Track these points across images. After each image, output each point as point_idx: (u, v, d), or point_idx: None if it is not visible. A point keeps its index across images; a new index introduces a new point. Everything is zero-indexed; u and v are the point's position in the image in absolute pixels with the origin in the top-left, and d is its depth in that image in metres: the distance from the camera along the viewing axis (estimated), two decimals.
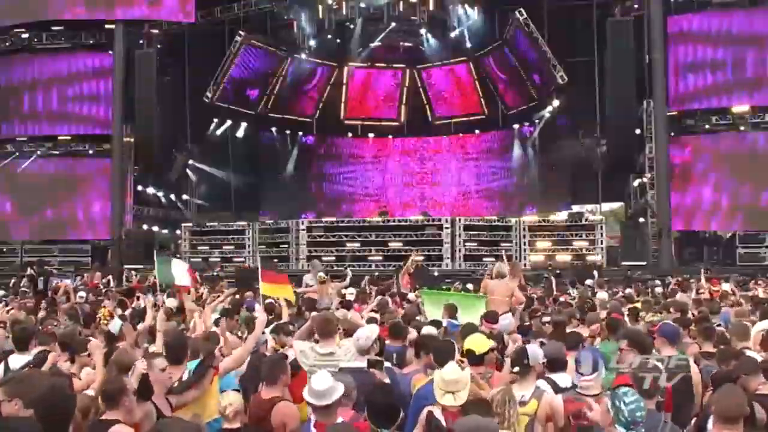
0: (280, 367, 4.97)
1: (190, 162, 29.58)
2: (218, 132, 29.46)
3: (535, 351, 5.26)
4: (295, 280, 16.46)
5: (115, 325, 6.86)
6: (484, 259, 22.28)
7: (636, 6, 22.68)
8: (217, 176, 30.34)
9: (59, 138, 25.82)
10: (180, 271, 8.19)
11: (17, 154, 25.90)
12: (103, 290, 14.38)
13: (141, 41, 25.25)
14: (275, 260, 23.73)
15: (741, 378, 4.72)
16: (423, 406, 4.43)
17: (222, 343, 6.21)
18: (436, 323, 7.36)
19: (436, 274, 20.68)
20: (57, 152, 25.84)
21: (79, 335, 6.73)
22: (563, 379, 5.05)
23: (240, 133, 29.81)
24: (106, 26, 25.28)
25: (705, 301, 10.19)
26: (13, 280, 17.62)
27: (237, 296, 10.51)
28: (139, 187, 27.38)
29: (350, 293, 12.05)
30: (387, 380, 5.09)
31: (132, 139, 25.50)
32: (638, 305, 9.46)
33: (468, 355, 5.22)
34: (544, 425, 4.68)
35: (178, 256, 9.87)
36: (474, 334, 5.54)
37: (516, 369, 4.94)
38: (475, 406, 3.97)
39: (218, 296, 9.38)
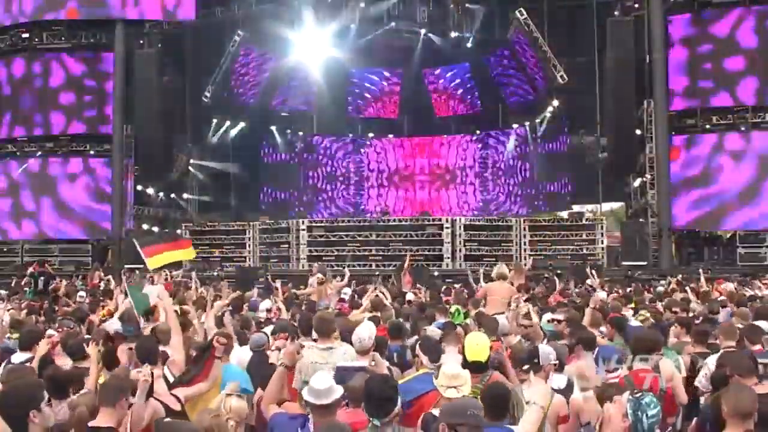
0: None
1: (191, 161, 29.65)
2: (218, 131, 29.50)
3: (547, 350, 5.25)
4: (297, 280, 16.56)
5: (112, 324, 6.89)
6: (484, 258, 22.31)
7: (636, 6, 22.67)
8: (217, 176, 30.42)
9: (60, 138, 25.81)
10: (153, 292, 8.14)
11: (18, 153, 25.98)
12: (102, 289, 14.39)
13: (141, 41, 25.26)
14: (274, 260, 23.91)
15: (734, 378, 4.72)
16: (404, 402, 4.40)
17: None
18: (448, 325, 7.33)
19: (435, 273, 20.71)
20: (57, 152, 25.83)
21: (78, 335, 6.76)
22: (558, 380, 5.04)
23: (240, 133, 29.84)
24: (107, 26, 25.32)
25: (705, 301, 10.19)
26: (14, 280, 17.65)
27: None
28: (139, 187, 27.39)
29: (345, 293, 12.06)
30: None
31: (132, 139, 25.52)
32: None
33: (474, 366, 5.13)
34: (555, 426, 4.66)
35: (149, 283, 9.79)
36: (473, 340, 5.42)
37: (526, 367, 4.92)
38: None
39: (217, 297, 9.41)
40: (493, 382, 4.47)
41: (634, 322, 7.61)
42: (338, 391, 4.11)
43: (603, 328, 7.38)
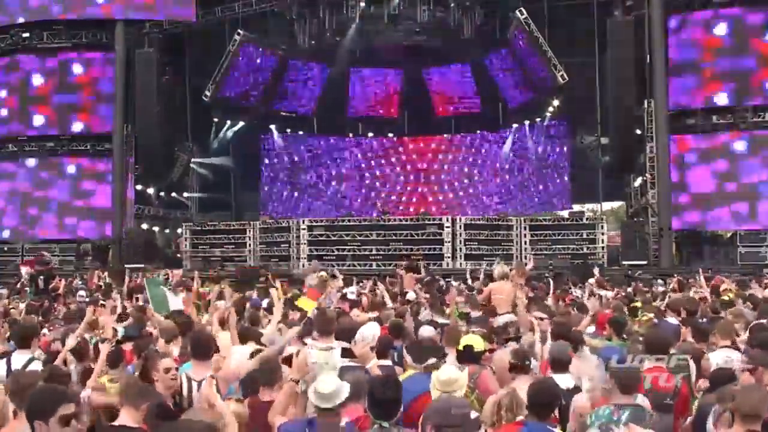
0: (277, 372, 4.99)
1: (192, 160, 29.67)
2: (218, 131, 29.51)
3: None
4: (298, 280, 16.55)
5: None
6: (484, 258, 22.31)
7: (636, 5, 22.65)
8: (217, 175, 30.45)
9: (60, 137, 25.83)
10: (174, 302, 8.11)
11: (18, 153, 26.00)
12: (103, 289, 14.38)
13: (141, 41, 25.27)
14: (275, 259, 23.92)
15: (758, 370, 4.72)
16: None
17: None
18: (434, 323, 7.35)
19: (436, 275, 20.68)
20: (58, 151, 25.85)
21: None
22: (565, 380, 5.04)
23: (240, 132, 29.85)
24: (107, 25, 25.33)
25: (705, 300, 10.17)
26: (17, 280, 17.65)
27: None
28: (139, 187, 27.41)
29: (351, 292, 12.03)
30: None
31: (132, 139, 25.53)
32: (638, 304, 9.48)
33: (465, 352, 5.23)
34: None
35: (169, 287, 9.64)
36: (470, 335, 5.55)
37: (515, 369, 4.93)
38: None
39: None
40: (540, 381, 4.44)
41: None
42: (344, 393, 4.09)
43: (591, 328, 7.40)
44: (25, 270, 17.13)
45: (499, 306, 9.37)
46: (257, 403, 4.80)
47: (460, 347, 5.30)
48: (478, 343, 5.33)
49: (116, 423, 3.95)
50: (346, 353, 5.30)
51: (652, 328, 6.86)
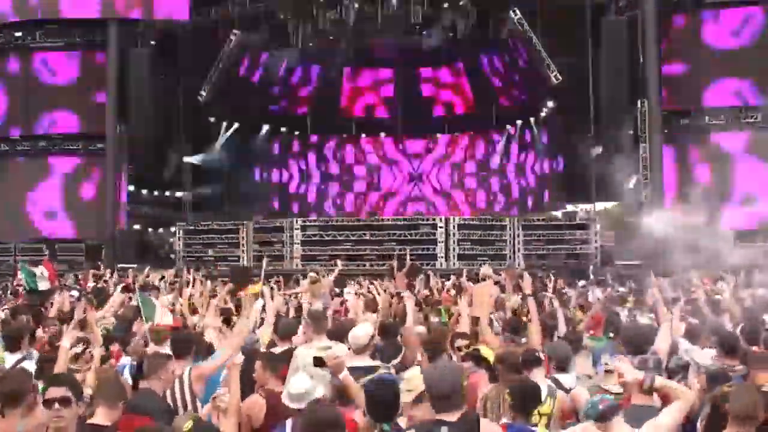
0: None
1: (185, 160, 29.59)
2: (212, 131, 29.45)
3: None
4: (291, 280, 16.50)
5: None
6: (478, 258, 22.32)
7: (630, 6, 22.70)
8: (211, 175, 30.38)
9: (53, 137, 25.74)
10: (159, 312, 8.06)
11: (11, 152, 25.90)
12: (97, 288, 14.30)
13: (135, 40, 25.19)
14: (268, 259, 23.86)
15: (751, 373, 4.72)
16: None
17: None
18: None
19: (429, 273, 20.66)
20: (50, 151, 25.75)
21: None
22: (568, 379, 5.05)
23: (233, 132, 29.80)
24: (100, 25, 25.24)
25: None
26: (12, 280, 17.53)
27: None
28: (132, 187, 27.33)
29: (348, 292, 12.01)
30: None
31: (126, 138, 25.45)
32: (629, 304, 9.50)
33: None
34: (563, 423, 4.63)
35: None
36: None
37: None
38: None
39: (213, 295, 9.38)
40: (522, 380, 4.43)
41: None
42: (316, 393, 4.06)
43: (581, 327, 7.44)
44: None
45: (483, 306, 9.38)
46: (272, 393, 4.70)
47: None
48: (487, 353, 5.32)
49: (91, 421, 3.92)
50: (318, 362, 5.26)
51: (630, 326, 6.85)
